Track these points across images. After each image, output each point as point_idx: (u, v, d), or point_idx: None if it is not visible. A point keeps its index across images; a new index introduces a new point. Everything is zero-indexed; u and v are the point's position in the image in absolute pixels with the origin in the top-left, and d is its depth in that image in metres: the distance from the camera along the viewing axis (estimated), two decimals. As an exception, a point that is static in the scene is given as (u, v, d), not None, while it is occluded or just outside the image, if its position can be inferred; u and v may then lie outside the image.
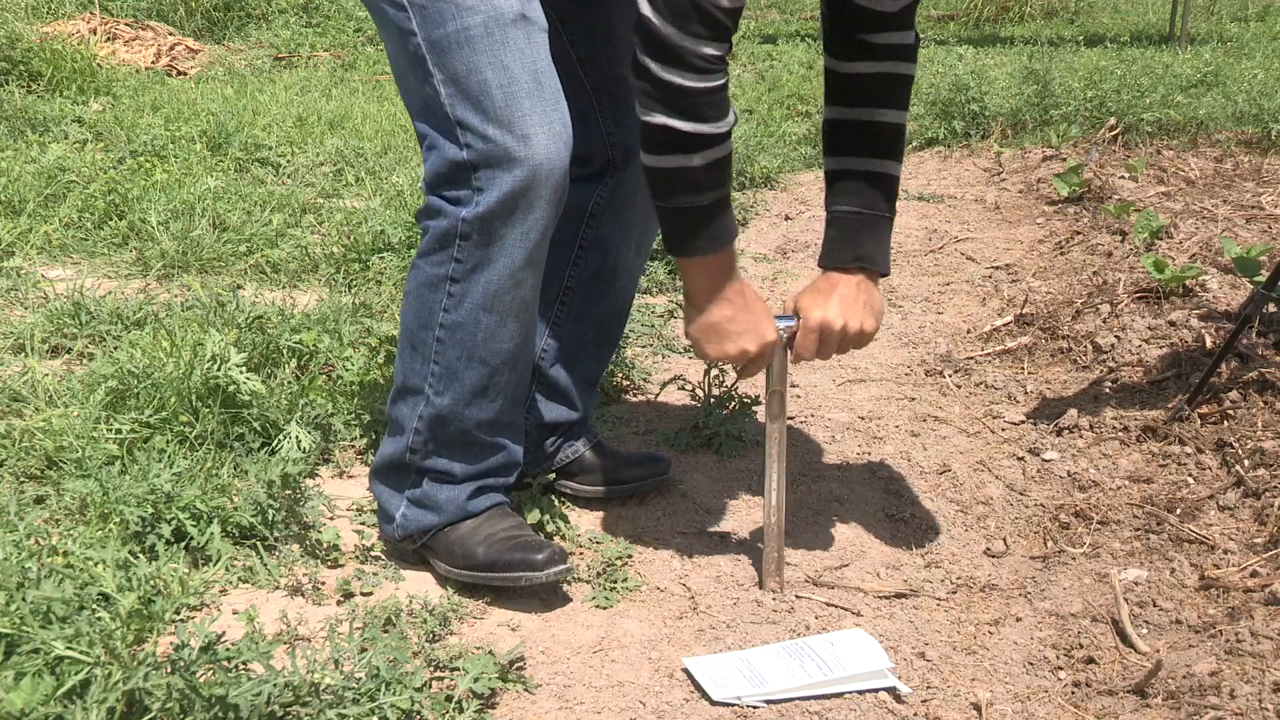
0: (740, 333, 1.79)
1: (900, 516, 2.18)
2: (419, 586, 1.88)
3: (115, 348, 2.49)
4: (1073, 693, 1.68)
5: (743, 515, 2.17)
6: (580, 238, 2.06)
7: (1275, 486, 2.08)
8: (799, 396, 2.71)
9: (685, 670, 1.69)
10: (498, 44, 1.67)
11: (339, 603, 1.83)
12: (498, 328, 1.77)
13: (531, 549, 1.82)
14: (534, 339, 1.86)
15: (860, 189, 1.87)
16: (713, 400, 2.46)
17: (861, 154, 1.88)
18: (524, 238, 1.72)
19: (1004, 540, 2.08)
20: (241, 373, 2.15)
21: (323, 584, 1.87)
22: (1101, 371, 2.72)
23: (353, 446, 2.31)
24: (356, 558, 1.95)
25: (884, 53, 1.86)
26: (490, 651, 1.65)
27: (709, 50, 1.63)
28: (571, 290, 2.08)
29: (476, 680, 1.56)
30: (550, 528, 2.02)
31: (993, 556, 2.05)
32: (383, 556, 1.96)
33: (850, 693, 1.65)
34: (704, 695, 1.63)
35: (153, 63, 6.60)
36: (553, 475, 2.12)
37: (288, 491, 1.95)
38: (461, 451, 1.85)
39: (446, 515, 1.87)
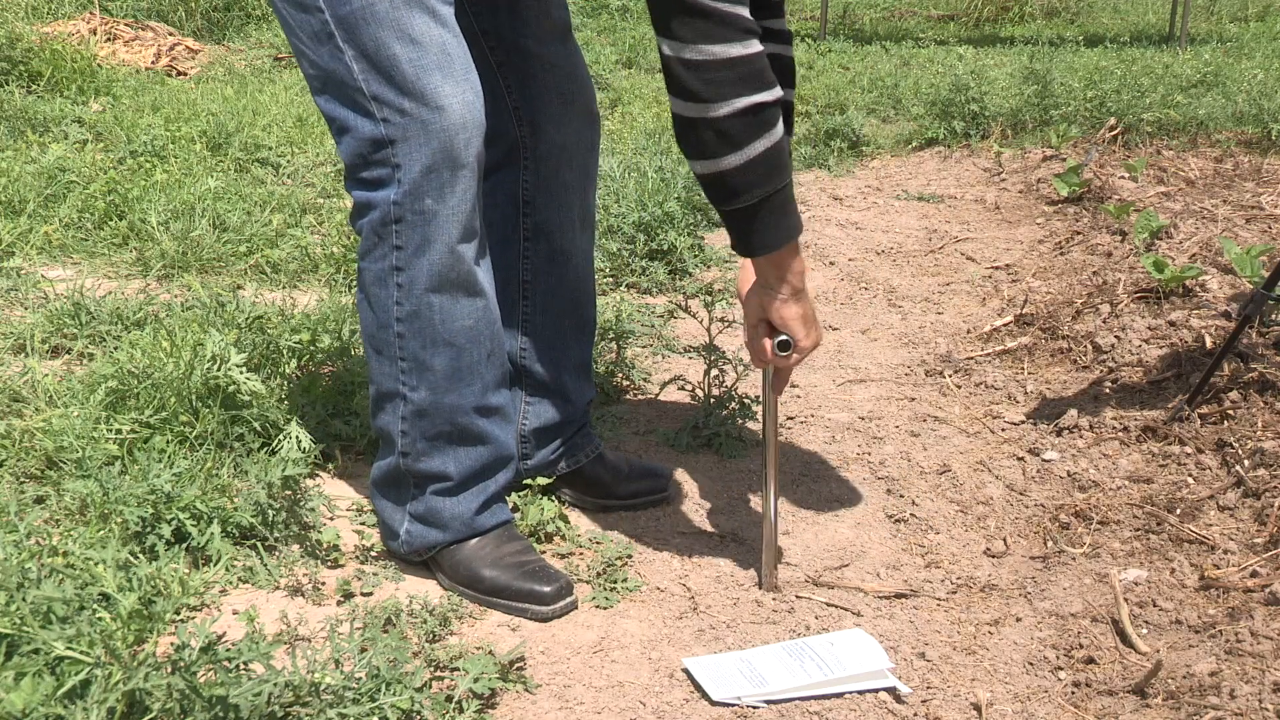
0: (818, 320, 1.81)
1: (900, 516, 2.18)
2: (419, 586, 1.88)
3: (115, 348, 2.49)
4: (1073, 693, 1.68)
5: (743, 515, 2.17)
6: (522, 229, 2.06)
7: (1275, 486, 2.08)
8: (799, 396, 2.71)
9: (685, 670, 1.69)
10: (403, 18, 1.67)
11: (339, 603, 1.83)
12: (450, 306, 1.77)
13: (539, 578, 1.83)
14: (496, 316, 1.85)
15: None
16: (713, 400, 2.47)
17: None
18: (456, 211, 1.72)
19: (1004, 540, 2.08)
20: (241, 373, 2.16)
21: (323, 584, 1.87)
22: (1101, 371, 2.72)
23: (353, 446, 2.31)
24: (356, 558, 1.96)
25: (774, 38, 1.91)
26: (490, 651, 1.65)
27: (747, 12, 1.64)
28: (530, 284, 2.08)
29: (476, 680, 1.57)
30: (550, 528, 2.03)
31: (993, 556, 2.05)
32: (382, 557, 1.96)
33: (850, 693, 1.65)
34: (704, 695, 1.63)
35: (153, 63, 6.59)
36: (551, 479, 2.12)
37: (288, 492, 1.96)
38: (450, 447, 1.84)
39: (452, 532, 1.87)
